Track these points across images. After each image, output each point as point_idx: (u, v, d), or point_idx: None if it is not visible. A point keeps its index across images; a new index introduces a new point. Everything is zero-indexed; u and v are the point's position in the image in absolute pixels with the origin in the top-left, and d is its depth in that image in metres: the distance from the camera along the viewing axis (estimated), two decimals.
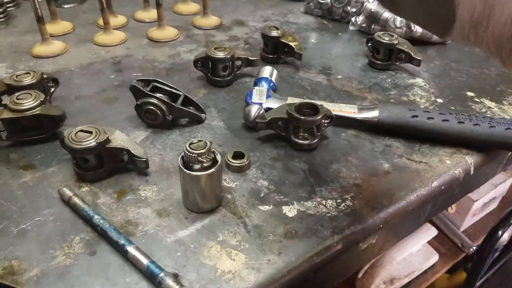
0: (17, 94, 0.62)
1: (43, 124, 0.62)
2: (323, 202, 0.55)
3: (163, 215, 0.53)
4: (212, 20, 1.04)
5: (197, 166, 0.49)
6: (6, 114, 0.60)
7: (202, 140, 0.50)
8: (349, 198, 0.56)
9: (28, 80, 0.66)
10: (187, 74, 0.84)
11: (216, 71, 0.79)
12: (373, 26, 0.98)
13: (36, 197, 0.55)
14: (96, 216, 0.50)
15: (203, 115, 0.70)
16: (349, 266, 0.58)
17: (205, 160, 0.49)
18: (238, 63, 0.82)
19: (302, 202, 0.55)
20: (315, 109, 0.63)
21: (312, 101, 0.65)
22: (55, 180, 0.57)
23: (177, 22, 1.05)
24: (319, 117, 0.61)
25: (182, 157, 0.50)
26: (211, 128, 0.69)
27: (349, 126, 0.69)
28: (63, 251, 0.48)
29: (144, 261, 0.45)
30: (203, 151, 0.49)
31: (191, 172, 0.49)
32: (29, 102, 0.61)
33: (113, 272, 0.46)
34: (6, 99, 0.61)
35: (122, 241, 0.47)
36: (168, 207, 0.54)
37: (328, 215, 0.53)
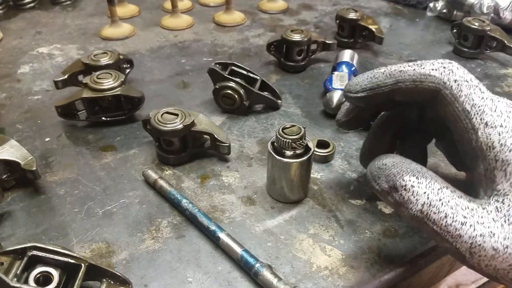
0: (97, 73, 0.62)
1: (122, 105, 0.63)
2: None
3: (248, 203, 0.52)
4: (278, 4, 1.02)
5: (289, 153, 0.48)
6: (87, 94, 0.60)
7: (295, 125, 0.48)
8: None
9: (105, 60, 0.67)
10: (258, 59, 0.83)
11: (290, 55, 0.77)
12: (454, 12, 0.93)
13: (119, 179, 0.55)
14: (184, 200, 0.49)
15: (279, 101, 0.68)
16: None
17: (298, 147, 0.47)
18: (314, 47, 0.79)
19: None
20: None
21: None
22: (137, 163, 0.57)
23: (243, 6, 1.03)
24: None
25: (273, 143, 0.49)
26: (288, 115, 0.67)
27: None
28: (151, 234, 0.48)
29: (238, 249, 0.44)
30: (297, 136, 0.47)
31: (283, 159, 0.47)
32: (109, 82, 0.61)
33: (204, 259, 0.45)
34: (86, 79, 0.62)
35: (213, 227, 0.46)
36: (253, 195, 0.53)
37: None
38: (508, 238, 0.32)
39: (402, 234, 0.48)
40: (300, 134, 0.47)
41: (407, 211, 0.35)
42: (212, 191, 0.53)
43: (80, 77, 0.68)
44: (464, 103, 0.37)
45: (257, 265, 0.42)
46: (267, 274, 0.41)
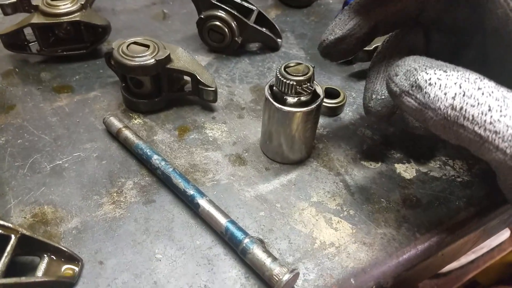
0: None
1: (82, 36, 0.52)
2: (450, 162, 0.44)
3: (237, 163, 0.43)
4: None
5: (292, 100, 0.38)
6: (38, 19, 0.50)
7: (302, 63, 0.38)
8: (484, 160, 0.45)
9: None
10: None
11: None
12: None
13: (75, 127, 0.46)
14: (155, 156, 0.40)
15: (279, 41, 0.58)
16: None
17: (304, 92, 0.38)
18: None
19: (422, 160, 0.44)
20: None
21: None
22: (98, 108, 0.48)
23: None
24: None
25: (271, 87, 0.40)
26: (289, 58, 0.57)
27: None
28: (111, 198, 0.39)
29: (222, 220, 0.36)
30: (304, 77, 0.37)
31: (284, 107, 0.38)
32: (66, 5, 0.50)
33: (178, 231, 0.37)
34: (38, 0, 0.51)
35: (191, 191, 0.38)
36: (243, 153, 0.44)
37: (459, 179, 0.43)
38: None
39: (425, 204, 0.40)
40: (308, 75, 0.38)
41: (435, 112, 0.27)
42: (193, 146, 0.44)
43: (35, 1, 0.57)
44: None
45: (246, 240, 0.34)
46: (258, 252, 0.33)
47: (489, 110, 0.25)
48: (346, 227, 0.38)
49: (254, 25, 0.54)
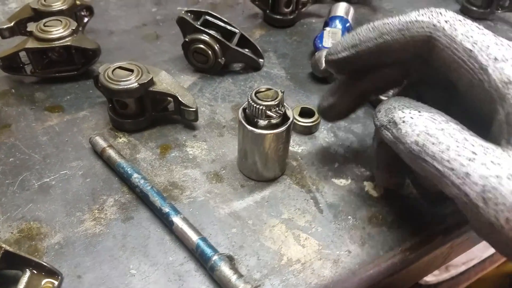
0: (44, 20, 0.53)
1: (74, 58, 0.54)
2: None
3: (214, 180, 0.44)
4: None
5: (263, 122, 0.40)
6: (32, 44, 0.52)
7: (271, 89, 0.40)
8: None
9: (58, 5, 0.58)
10: (241, 10, 0.73)
11: (277, 7, 0.68)
12: None
13: (63, 146, 0.47)
14: (135, 175, 0.42)
15: (261, 61, 0.60)
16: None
17: (274, 115, 0.39)
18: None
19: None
20: None
21: None
22: (86, 127, 0.50)
23: None
24: None
25: (244, 109, 0.41)
26: (270, 77, 0.59)
27: None
28: (92, 214, 0.41)
29: (194, 237, 0.37)
30: (273, 102, 0.39)
31: (255, 130, 0.40)
32: (58, 30, 0.52)
33: (153, 247, 0.38)
34: (32, 26, 0.53)
35: (166, 209, 0.39)
36: (221, 170, 0.46)
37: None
38: None
39: (390, 223, 0.41)
40: (277, 100, 0.39)
41: (404, 146, 0.31)
42: (173, 164, 0.46)
43: (31, 25, 0.59)
44: (463, 42, 0.31)
45: (215, 257, 0.35)
46: (225, 269, 0.35)
47: (447, 149, 0.28)
48: (313, 243, 0.39)
49: (236, 47, 0.56)
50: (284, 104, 0.41)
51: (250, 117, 0.40)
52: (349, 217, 0.41)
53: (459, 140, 0.28)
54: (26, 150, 0.46)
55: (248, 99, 0.39)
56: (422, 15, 0.33)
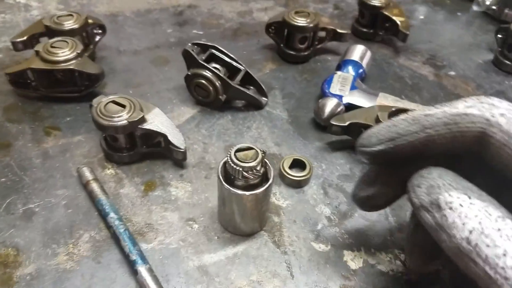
0: (52, 40, 0.55)
1: (77, 80, 0.55)
2: (402, 256, 0.44)
3: (190, 227, 0.44)
4: None
5: (240, 182, 0.39)
6: (37, 64, 0.53)
7: (253, 148, 0.39)
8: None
9: (70, 24, 0.59)
10: (256, 40, 0.73)
11: (291, 42, 0.67)
12: (505, 11, 0.79)
13: (53, 171, 0.48)
14: (111, 214, 0.43)
15: (264, 100, 0.59)
16: None
17: (251, 177, 0.39)
18: (322, 34, 0.69)
19: (372, 250, 0.44)
20: None
21: (414, 109, 0.52)
22: (78, 154, 0.51)
23: None
24: None
25: (225, 164, 0.41)
26: (271, 118, 0.58)
27: None
28: (67, 248, 0.42)
29: None
30: (251, 164, 0.38)
31: (231, 189, 0.39)
32: (64, 53, 0.53)
33: None
34: (39, 46, 0.54)
35: (134, 257, 0.40)
36: (200, 216, 0.45)
37: (405, 278, 0.42)
38: None
39: None
40: (256, 162, 0.38)
41: (449, 239, 0.26)
42: (154, 204, 0.46)
43: (44, 40, 0.61)
44: None
45: None
46: None
47: (504, 255, 0.24)
48: None
49: (238, 86, 0.55)
50: (266, 162, 0.40)
51: (229, 174, 0.40)
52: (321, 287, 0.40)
53: None
54: (18, 172, 0.48)
55: (227, 156, 0.39)
56: (472, 107, 0.29)
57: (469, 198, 0.27)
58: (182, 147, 0.48)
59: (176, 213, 0.46)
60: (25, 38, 0.59)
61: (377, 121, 0.49)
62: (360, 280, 0.41)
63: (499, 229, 0.25)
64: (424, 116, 0.31)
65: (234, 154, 0.39)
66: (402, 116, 0.32)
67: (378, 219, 0.47)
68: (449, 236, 0.26)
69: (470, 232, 0.25)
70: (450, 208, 0.26)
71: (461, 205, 0.26)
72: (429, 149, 0.31)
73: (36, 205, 0.45)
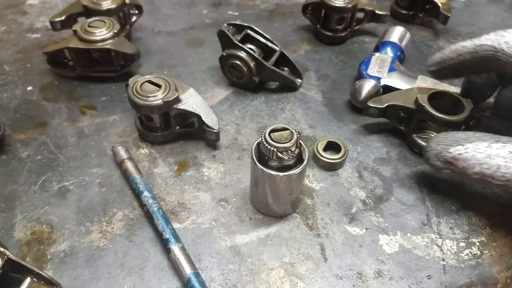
0: (89, 20, 0.55)
1: (113, 60, 0.55)
2: (439, 241, 0.42)
3: (223, 208, 0.44)
4: None
5: (274, 163, 0.38)
6: (74, 43, 0.54)
7: (288, 129, 0.38)
8: (477, 244, 0.42)
9: (107, 4, 0.59)
10: (292, 21, 0.71)
11: (328, 23, 0.65)
12: None
13: (88, 150, 0.49)
14: (146, 193, 0.43)
15: (298, 81, 0.57)
16: None
17: (286, 158, 0.38)
18: (360, 15, 0.66)
19: (408, 234, 0.42)
20: (457, 104, 0.48)
21: (454, 92, 0.49)
22: (114, 133, 0.51)
23: None
24: (462, 117, 0.46)
25: (259, 145, 0.40)
26: (305, 100, 0.57)
27: None
28: (100, 226, 0.42)
29: (187, 270, 0.37)
30: (286, 144, 0.37)
31: (265, 169, 0.39)
32: (101, 32, 0.54)
33: (149, 271, 0.39)
34: (77, 25, 0.54)
35: (167, 235, 0.39)
36: (232, 197, 0.45)
37: (443, 263, 0.40)
38: None
39: (398, 284, 0.38)
40: (291, 143, 0.37)
41: (469, 177, 0.38)
42: (187, 184, 0.46)
43: (82, 20, 0.61)
44: None
45: None
46: None
47: (498, 168, 0.36)
48: None
49: (272, 67, 0.54)
50: (301, 143, 0.39)
51: (262, 155, 0.39)
52: (354, 271, 0.39)
53: (506, 155, 0.36)
54: (54, 150, 0.49)
55: (262, 136, 0.38)
56: (488, 39, 0.41)
57: (462, 146, 0.39)
58: (215, 127, 0.47)
59: (208, 194, 0.45)
60: (63, 18, 0.59)
61: (417, 103, 0.47)
62: (396, 265, 0.40)
63: (488, 155, 0.37)
64: (460, 47, 0.43)
65: (269, 134, 0.38)
66: (447, 48, 0.45)
67: (415, 203, 0.45)
68: (468, 176, 0.39)
69: (474, 167, 0.38)
70: (455, 159, 0.39)
71: (459, 153, 0.39)
72: (465, 68, 0.44)
73: (71, 183, 0.46)
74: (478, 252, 0.41)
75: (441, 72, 0.47)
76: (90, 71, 0.57)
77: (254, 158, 0.39)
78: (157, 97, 0.45)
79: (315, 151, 0.48)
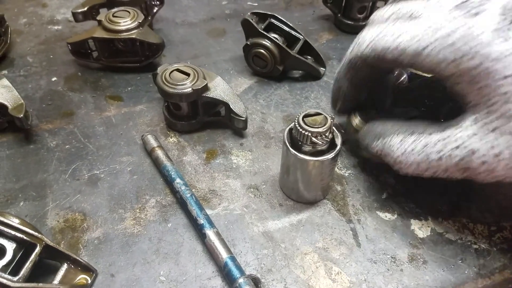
0: (114, 10, 0.55)
1: (138, 50, 0.56)
2: (470, 225, 0.42)
3: (253, 194, 0.44)
4: None
5: (307, 148, 0.39)
6: (99, 33, 0.54)
7: (321, 114, 0.38)
8: (508, 228, 0.42)
9: None
10: (312, 10, 0.71)
11: (349, 12, 0.65)
12: None
13: (117, 138, 0.49)
14: (178, 180, 0.43)
15: (322, 69, 0.57)
16: None
17: (320, 142, 0.38)
18: (381, 4, 0.66)
19: (440, 219, 0.43)
20: None
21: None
22: (141, 122, 0.51)
23: None
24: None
25: (291, 130, 0.40)
26: (329, 88, 0.56)
27: None
28: (134, 213, 0.42)
29: (224, 254, 0.37)
30: (320, 129, 0.37)
31: (298, 154, 0.39)
32: (126, 22, 0.54)
33: (184, 256, 0.39)
34: (101, 16, 0.55)
35: (202, 221, 0.40)
36: (261, 184, 0.45)
37: (475, 246, 0.41)
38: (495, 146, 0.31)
39: (431, 268, 0.39)
40: (325, 127, 0.37)
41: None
42: (216, 171, 0.46)
43: (104, 11, 0.61)
44: None
45: (241, 280, 0.36)
46: None
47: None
48: (345, 280, 0.38)
49: (297, 55, 0.54)
50: (334, 129, 0.39)
51: (295, 140, 0.39)
52: (388, 256, 0.40)
53: (419, 150, 0.35)
54: (82, 139, 0.49)
55: (294, 122, 0.38)
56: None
57: (383, 139, 0.39)
58: (243, 115, 0.47)
59: (238, 181, 0.45)
60: (85, 9, 0.59)
61: None
62: (429, 249, 0.40)
63: (412, 149, 0.36)
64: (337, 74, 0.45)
65: (303, 119, 0.38)
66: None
67: (445, 189, 0.45)
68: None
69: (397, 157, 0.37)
70: (380, 152, 0.39)
71: (381, 148, 0.39)
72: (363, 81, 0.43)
73: (101, 172, 0.46)
74: (510, 236, 0.41)
75: (346, 106, 0.46)
76: (114, 61, 0.57)
77: (287, 143, 0.39)
78: (186, 85, 0.46)
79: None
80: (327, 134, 0.38)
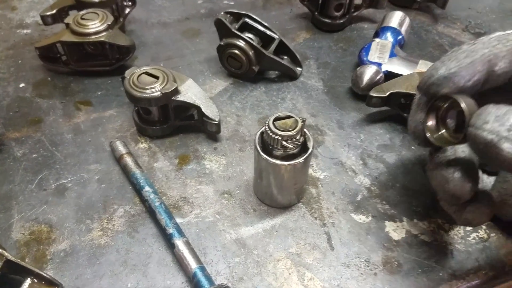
0: (82, 12, 0.54)
1: (108, 53, 0.54)
2: (446, 226, 0.42)
3: (226, 200, 0.43)
4: None
5: (279, 152, 0.38)
6: (67, 37, 0.52)
7: (292, 117, 0.37)
8: (484, 228, 0.42)
9: None
10: (289, 9, 0.70)
11: (326, 10, 0.64)
12: None
13: (85, 146, 0.48)
14: (146, 188, 0.42)
15: (298, 70, 0.57)
16: None
17: (291, 146, 0.37)
18: (358, 1, 0.66)
19: (415, 220, 0.42)
20: None
21: None
22: (111, 128, 0.50)
23: None
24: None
25: (262, 134, 0.39)
26: (306, 88, 0.56)
27: None
28: (101, 223, 0.41)
29: (193, 264, 0.37)
30: (291, 133, 0.36)
31: (269, 159, 0.38)
32: (94, 25, 0.52)
33: (153, 267, 0.38)
34: (69, 18, 0.53)
35: (171, 230, 0.39)
36: (235, 189, 0.44)
37: (450, 247, 0.40)
38: None
39: (406, 271, 0.38)
40: (295, 131, 0.37)
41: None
42: (188, 177, 0.45)
43: (73, 12, 0.60)
44: None
45: None
46: None
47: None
48: (317, 285, 0.37)
49: (272, 56, 0.53)
50: (305, 132, 0.38)
51: (266, 144, 0.38)
52: (362, 259, 0.39)
53: None
54: (50, 147, 0.48)
55: (265, 125, 0.37)
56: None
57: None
58: (216, 119, 0.46)
59: (211, 186, 0.44)
60: (54, 11, 0.58)
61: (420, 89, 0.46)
62: (403, 251, 0.40)
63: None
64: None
65: (273, 123, 0.37)
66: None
67: (420, 189, 0.44)
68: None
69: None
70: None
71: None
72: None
73: (69, 181, 0.45)
74: (485, 236, 0.41)
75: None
76: (84, 65, 0.56)
77: (258, 147, 0.39)
78: (155, 89, 0.45)
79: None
80: (298, 138, 0.37)
